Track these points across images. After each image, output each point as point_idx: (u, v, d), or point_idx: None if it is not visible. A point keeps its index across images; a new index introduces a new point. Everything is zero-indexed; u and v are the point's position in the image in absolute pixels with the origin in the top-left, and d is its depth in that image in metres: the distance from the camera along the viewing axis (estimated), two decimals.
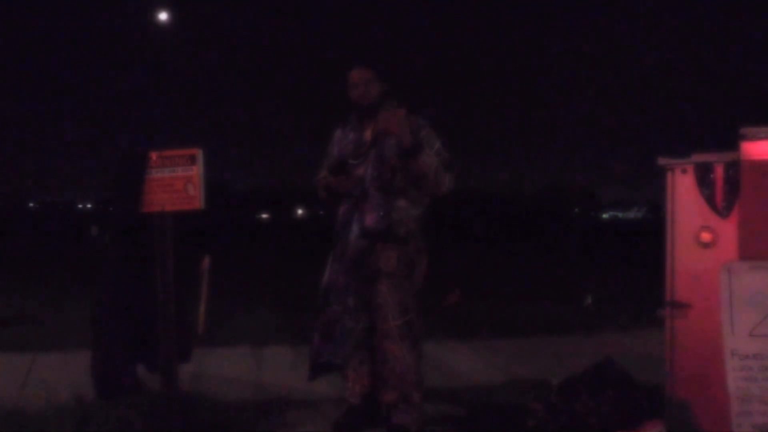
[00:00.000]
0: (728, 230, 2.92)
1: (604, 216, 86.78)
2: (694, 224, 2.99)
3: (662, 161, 3.06)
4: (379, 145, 3.25)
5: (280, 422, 3.64)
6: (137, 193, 3.10)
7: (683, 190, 3.01)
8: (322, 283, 3.37)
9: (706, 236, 2.96)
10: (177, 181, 3.10)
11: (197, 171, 3.10)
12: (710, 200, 2.95)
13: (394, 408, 3.27)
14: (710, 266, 2.93)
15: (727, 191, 2.92)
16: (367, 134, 3.30)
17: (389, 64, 3.64)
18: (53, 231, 25.94)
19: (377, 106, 3.27)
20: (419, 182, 3.22)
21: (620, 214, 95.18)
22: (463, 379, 4.54)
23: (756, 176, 2.87)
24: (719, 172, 2.93)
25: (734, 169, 2.90)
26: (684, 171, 3.01)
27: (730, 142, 2.93)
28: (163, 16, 19.15)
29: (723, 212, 2.93)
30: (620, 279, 10.71)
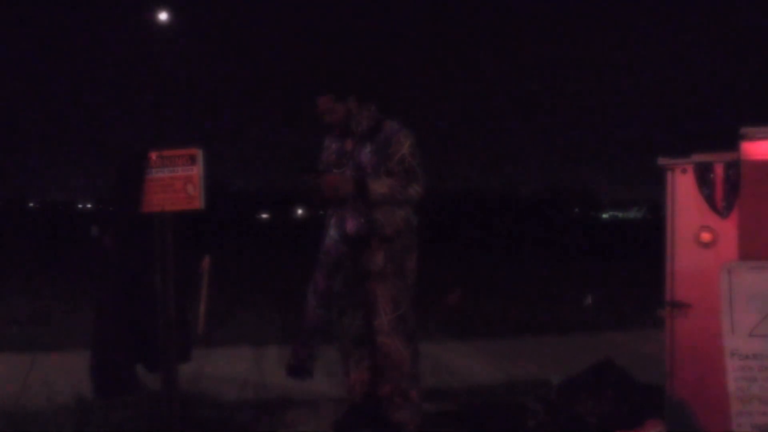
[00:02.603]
0: (728, 230, 2.92)
1: (604, 216, 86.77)
2: (694, 224, 2.98)
3: (662, 161, 3.06)
4: (356, 153, 3.33)
5: (280, 422, 3.64)
6: (137, 194, 3.10)
7: (683, 190, 3.01)
8: (309, 283, 3.42)
9: (706, 236, 2.96)
10: (177, 181, 3.10)
11: (197, 171, 3.10)
12: (710, 200, 2.95)
13: (391, 403, 3.30)
14: (710, 266, 2.93)
15: (727, 191, 2.91)
16: (348, 144, 3.40)
17: (351, 74, 3.65)
18: (53, 231, 25.91)
19: (347, 123, 3.35)
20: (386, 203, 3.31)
21: (620, 214, 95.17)
22: (463, 379, 4.54)
23: (756, 176, 2.86)
24: (719, 172, 2.93)
25: (734, 169, 2.90)
26: (684, 171, 3.01)
27: (730, 142, 2.93)
28: (163, 16, 19.14)
29: (723, 212, 2.93)
30: (620, 279, 10.71)
